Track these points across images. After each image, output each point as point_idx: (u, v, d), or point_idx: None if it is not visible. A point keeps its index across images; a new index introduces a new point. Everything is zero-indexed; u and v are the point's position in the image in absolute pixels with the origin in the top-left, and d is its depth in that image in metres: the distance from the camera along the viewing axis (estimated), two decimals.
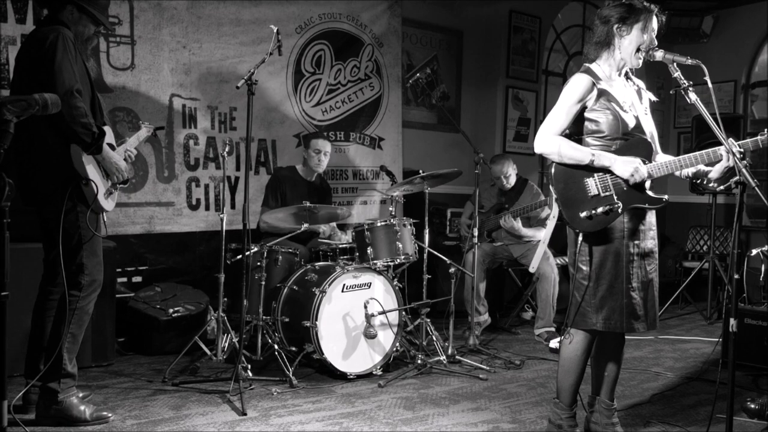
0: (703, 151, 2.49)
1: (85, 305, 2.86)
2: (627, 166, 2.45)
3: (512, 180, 4.84)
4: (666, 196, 2.53)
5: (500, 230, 4.81)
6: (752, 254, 4.85)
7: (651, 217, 2.60)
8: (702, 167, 2.55)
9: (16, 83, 2.84)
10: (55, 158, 2.73)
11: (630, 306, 2.51)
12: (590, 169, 2.50)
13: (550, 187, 2.59)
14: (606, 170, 2.49)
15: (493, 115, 6.30)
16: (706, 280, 5.70)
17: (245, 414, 2.95)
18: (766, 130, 2.45)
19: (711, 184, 2.57)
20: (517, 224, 4.62)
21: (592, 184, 2.50)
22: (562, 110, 2.54)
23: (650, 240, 2.59)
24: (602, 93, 2.52)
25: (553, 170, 2.56)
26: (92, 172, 2.80)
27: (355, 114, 5.40)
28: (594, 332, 2.58)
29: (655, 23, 2.53)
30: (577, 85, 2.53)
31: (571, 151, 2.49)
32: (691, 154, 2.50)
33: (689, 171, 2.59)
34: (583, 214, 2.46)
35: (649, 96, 2.69)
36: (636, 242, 2.54)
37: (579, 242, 2.52)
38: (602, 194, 2.48)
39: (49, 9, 2.87)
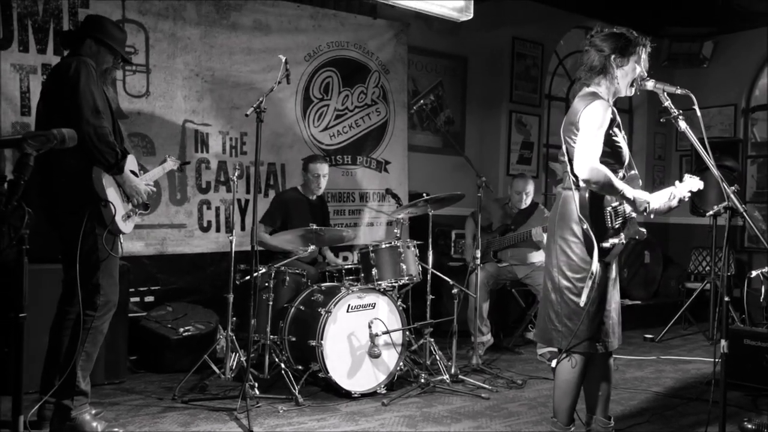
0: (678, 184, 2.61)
1: (99, 325, 2.95)
2: (665, 195, 2.55)
3: (529, 200, 4.95)
4: (644, 229, 2.65)
5: (506, 251, 4.91)
6: (752, 275, 4.91)
7: None
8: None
9: (41, 111, 2.96)
10: (75, 180, 2.83)
11: (611, 326, 2.66)
12: (605, 200, 2.55)
13: (578, 215, 2.54)
14: (620, 202, 2.56)
15: (497, 138, 6.42)
16: (708, 301, 5.74)
17: (252, 431, 3.04)
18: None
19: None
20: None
21: (612, 216, 2.56)
22: (594, 137, 2.48)
23: (616, 263, 2.72)
24: (615, 122, 2.55)
25: (579, 197, 2.52)
26: (112, 194, 2.90)
27: (362, 138, 5.54)
28: (588, 354, 2.66)
29: (645, 54, 2.64)
30: (601, 111, 2.48)
31: (615, 183, 2.49)
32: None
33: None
34: (605, 245, 2.53)
35: None
36: (614, 266, 2.68)
37: (595, 271, 2.52)
38: (616, 226, 2.57)
39: (70, 47, 3.08)
